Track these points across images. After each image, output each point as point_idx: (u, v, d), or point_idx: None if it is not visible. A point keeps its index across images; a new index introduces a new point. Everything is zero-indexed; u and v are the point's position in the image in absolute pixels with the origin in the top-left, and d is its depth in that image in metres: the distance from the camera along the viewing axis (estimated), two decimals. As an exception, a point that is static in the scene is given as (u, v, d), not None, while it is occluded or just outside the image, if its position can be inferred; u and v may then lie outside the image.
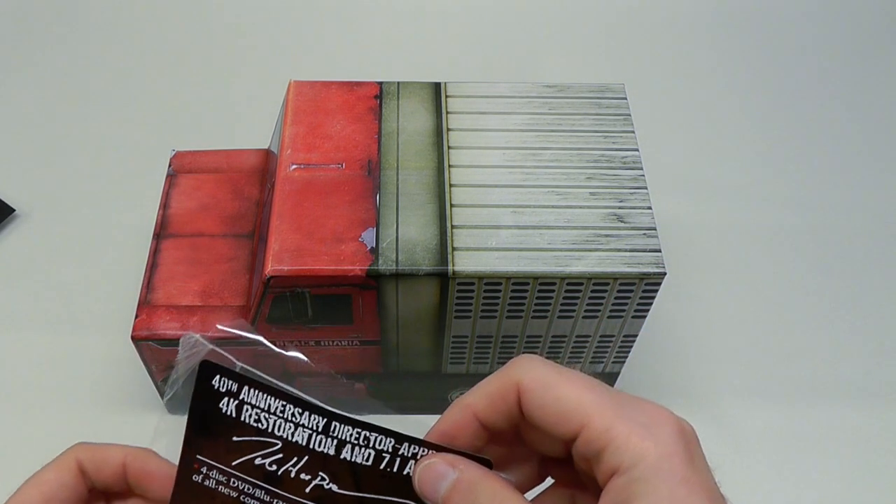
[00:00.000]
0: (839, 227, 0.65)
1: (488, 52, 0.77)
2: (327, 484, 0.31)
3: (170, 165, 0.55)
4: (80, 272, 0.60)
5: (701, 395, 0.55)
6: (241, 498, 0.32)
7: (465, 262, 0.44)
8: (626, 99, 0.52)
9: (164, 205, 0.52)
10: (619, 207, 0.46)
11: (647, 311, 0.47)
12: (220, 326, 0.46)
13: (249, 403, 0.31)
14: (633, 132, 0.50)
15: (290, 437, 0.31)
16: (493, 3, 0.81)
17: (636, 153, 0.49)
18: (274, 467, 0.31)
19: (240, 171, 0.54)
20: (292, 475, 0.31)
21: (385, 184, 0.47)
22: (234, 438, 0.31)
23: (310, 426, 0.31)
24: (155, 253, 0.50)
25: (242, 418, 0.31)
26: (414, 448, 0.30)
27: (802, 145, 0.71)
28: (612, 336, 0.49)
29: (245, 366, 0.32)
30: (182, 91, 0.72)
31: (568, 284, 0.44)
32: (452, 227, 0.45)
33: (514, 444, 0.32)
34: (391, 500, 0.31)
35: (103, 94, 0.72)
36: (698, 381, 0.56)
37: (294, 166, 0.47)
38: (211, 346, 0.33)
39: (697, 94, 0.75)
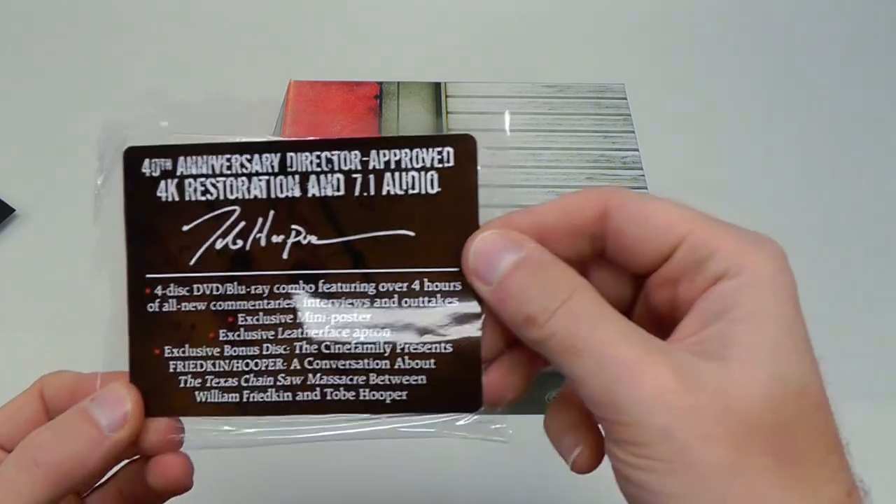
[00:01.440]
0: (839, 227, 0.65)
1: (488, 52, 0.77)
2: (304, 238, 0.26)
3: (170, 165, 0.54)
4: (81, 272, 0.59)
5: (701, 395, 0.55)
6: (211, 306, 0.27)
7: (465, 262, 0.44)
8: (626, 99, 0.52)
9: (164, 205, 0.52)
10: (619, 207, 0.46)
11: (647, 311, 0.47)
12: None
13: (190, 175, 0.27)
14: (633, 132, 0.50)
15: (246, 195, 0.27)
16: (493, 3, 0.81)
17: (636, 153, 0.49)
18: (240, 243, 0.27)
19: (240, 171, 0.54)
20: (263, 243, 0.26)
21: (385, 184, 0.47)
22: (184, 228, 0.27)
23: (264, 170, 0.26)
24: (155, 253, 0.50)
25: (187, 197, 0.27)
26: (385, 154, 0.26)
27: (803, 145, 0.71)
28: (612, 336, 0.49)
29: (177, 133, 0.28)
30: (182, 91, 0.72)
31: (568, 284, 0.44)
32: (452, 227, 0.45)
33: None
34: (380, 236, 0.27)
35: (103, 93, 0.72)
36: (698, 381, 0.56)
37: (294, 166, 0.47)
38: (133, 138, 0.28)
39: (697, 94, 0.75)
